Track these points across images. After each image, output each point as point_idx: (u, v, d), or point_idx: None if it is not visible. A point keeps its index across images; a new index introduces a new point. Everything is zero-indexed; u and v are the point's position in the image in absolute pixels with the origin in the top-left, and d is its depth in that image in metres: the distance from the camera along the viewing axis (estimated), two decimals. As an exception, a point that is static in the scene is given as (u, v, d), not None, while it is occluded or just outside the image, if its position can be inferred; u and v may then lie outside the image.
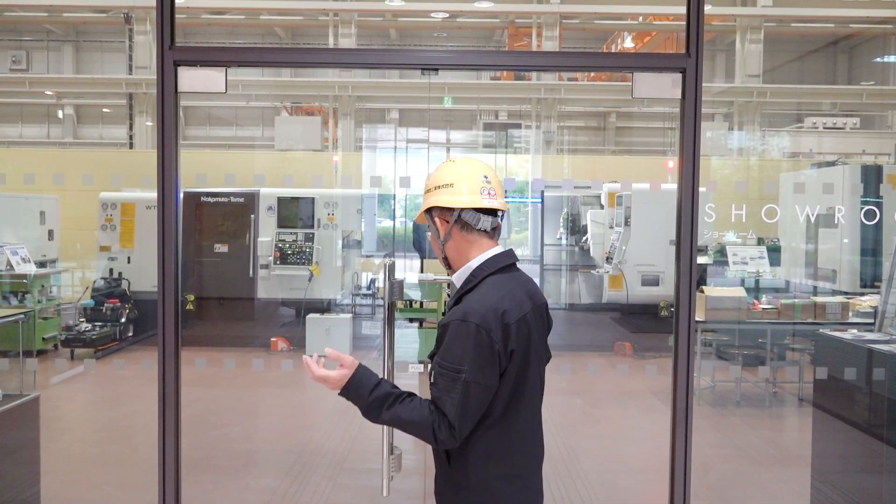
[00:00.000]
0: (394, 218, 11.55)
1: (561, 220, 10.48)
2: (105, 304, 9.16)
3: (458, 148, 20.05)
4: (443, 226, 2.16)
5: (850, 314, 6.90)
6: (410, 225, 10.31)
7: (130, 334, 9.33)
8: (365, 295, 10.51)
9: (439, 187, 2.15)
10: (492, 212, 2.16)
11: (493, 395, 2.02)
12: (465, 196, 2.12)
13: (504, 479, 2.05)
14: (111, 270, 9.74)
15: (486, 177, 2.15)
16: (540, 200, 9.78)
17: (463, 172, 2.15)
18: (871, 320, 6.08)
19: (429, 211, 2.20)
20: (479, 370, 1.97)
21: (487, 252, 2.14)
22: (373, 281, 10.61)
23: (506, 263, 2.14)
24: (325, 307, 9.70)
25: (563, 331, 9.72)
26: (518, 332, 2.03)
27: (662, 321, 9.31)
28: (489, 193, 2.13)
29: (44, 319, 8.72)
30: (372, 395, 2.04)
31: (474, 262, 2.13)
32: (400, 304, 6.01)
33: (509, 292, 2.07)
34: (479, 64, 3.57)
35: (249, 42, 20.09)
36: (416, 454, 4.95)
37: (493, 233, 2.17)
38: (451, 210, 2.13)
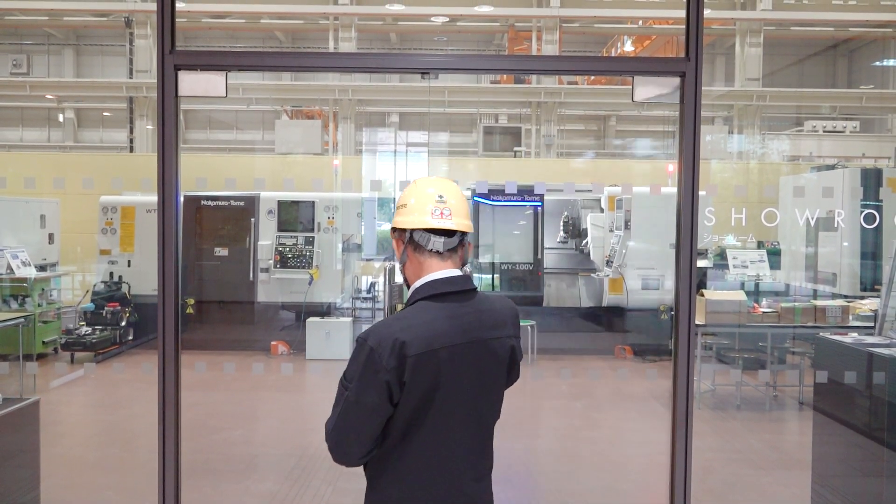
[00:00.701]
0: (394, 221, 11.51)
1: (561, 223, 10.47)
2: (105, 308, 9.16)
3: (457, 152, 20.06)
4: (398, 246, 2.14)
5: (851, 318, 6.90)
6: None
7: (130, 338, 9.33)
8: (365, 298, 10.51)
9: (398, 208, 2.14)
10: (450, 233, 2.08)
11: (390, 420, 1.99)
12: (415, 216, 2.08)
13: (396, 500, 2.03)
14: (111, 274, 9.74)
15: (441, 196, 2.09)
16: (540, 204, 9.76)
17: (417, 192, 2.11)
18: (872, 324, 6.07)
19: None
20: (363, 391, 1.96)
21: (430, 275, 2.07)
22: (373, 284, 10.61)
23: (442, 291, 2.04)
24: (325, 311, 9.70)
25: (564, 334, 9.72)
26: (417, 366, 1.94)
27: (663, 325, 9.31)
28: (441, 214, 2.07)
29: (44, 323, 8.73)
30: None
31: (417, 284, 2.09)
32: (400, 307, 6.03)
33: (426, 322, 1.99)
34: (480, 68, 3.58)
35: (250, 46, 20.12)
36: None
37: (451, 254, 2.09)
38: (405, 231, 2.10)
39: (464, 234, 2.12)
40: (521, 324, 2.24)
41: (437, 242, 2.07)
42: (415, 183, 2.16)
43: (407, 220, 2.09)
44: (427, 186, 2.12)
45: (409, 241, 2.09)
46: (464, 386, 2.02)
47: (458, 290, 2.06)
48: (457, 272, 2.09)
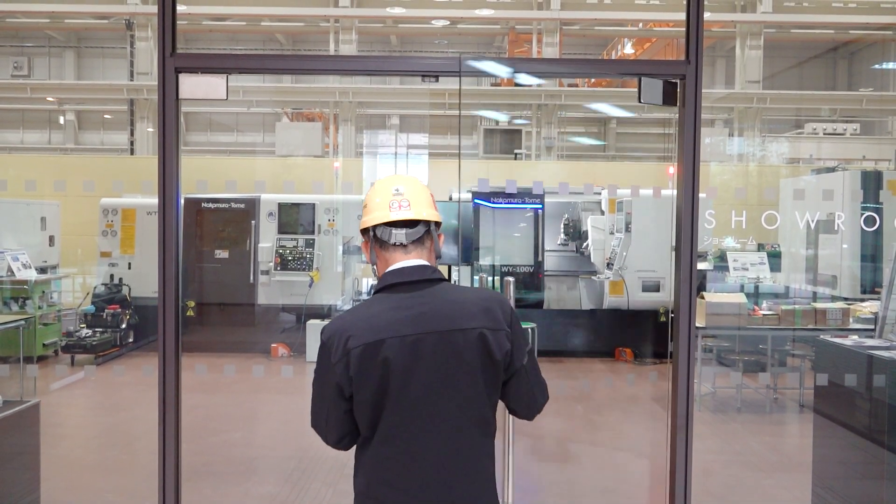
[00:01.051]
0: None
1: (561, 226, 10.47)
2: (105, 310, 9.16)
3: (456, 153, 20.04)
4: (366, 248, 2.13)
5: (851, 320, 6.89)
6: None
7: (131, 340, 9.32)
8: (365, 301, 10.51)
9: (362, 211, 2.14)
10: (412, 224, 2.06)
11: (355, 413, 2.00)
12: (375, 214, 2.07)
13: (363, 494, 2.02)
14: (112, 276, 9.74)
15: (397, 189, 2.07)
16: (540, 206, 9.76)
17: (376, 192, 2.11)
18: (872, 326, 6.07)
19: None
20: (320, 383, 2.03)
21: (390, 267, 2.07)
22: (373, 287, 10.61)
23: (392, 282, 2.03)
24: (325, 313, 9.70)
25: (565, 337, 9.72)
26: (362, 359, 1.93)
27: (663, 327, 9.30)
28: (399, 206, 2.05)
29: (44, 325, 8.72)
30: None
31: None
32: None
33: (372, 314, 1.98)
34: (482, 70, 3.57)
35: (250, 48, 20.15)
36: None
37: (416, 245, 2.06)
38: (370, 231, 2.09)
39: (429, 224, 2.09)
40: (522, 326, 2.19)
41: (399, 235, 2.05)
42: (373, 184, 2.15)
43: (368, 220, 2.10)
44: (383, 184, 2.12)
45: (374, 240, 2.09)
46: (422, 380, 1.95)
47: (410, 281, 2.02)
48: (417, 262, 2.05)
